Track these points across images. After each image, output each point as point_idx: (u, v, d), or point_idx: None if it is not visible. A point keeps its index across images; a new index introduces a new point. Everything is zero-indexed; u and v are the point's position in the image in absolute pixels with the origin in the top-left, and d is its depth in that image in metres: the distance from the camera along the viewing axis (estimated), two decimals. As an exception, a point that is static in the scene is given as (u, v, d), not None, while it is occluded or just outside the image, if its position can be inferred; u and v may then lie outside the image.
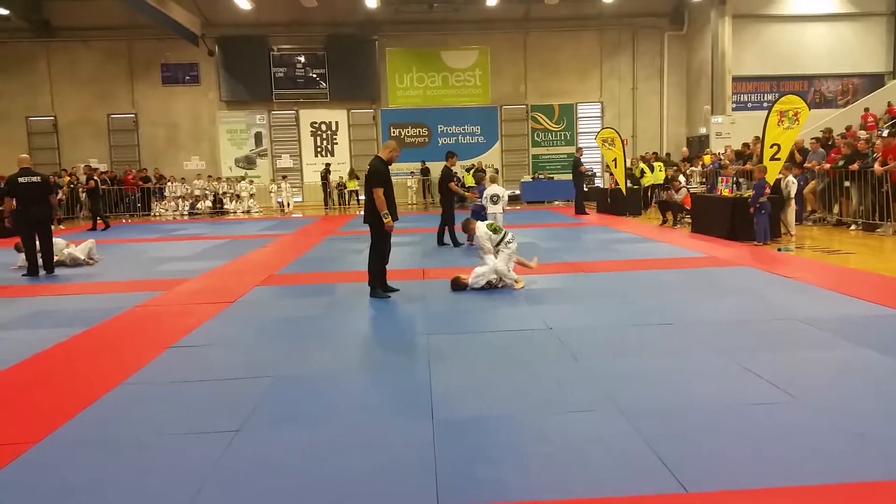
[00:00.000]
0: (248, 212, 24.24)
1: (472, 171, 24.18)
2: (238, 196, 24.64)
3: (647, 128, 26.68)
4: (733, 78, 23.53)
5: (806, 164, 14.60)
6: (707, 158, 19.81)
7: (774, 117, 12.29)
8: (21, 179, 10.11)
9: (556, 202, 24.39)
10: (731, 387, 4.40)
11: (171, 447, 3.71)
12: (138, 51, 25.34)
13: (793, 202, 12.54)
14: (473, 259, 8.58)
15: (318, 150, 26.29)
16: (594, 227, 15.70)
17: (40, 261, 10.26)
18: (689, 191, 15.42)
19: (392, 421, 4.03)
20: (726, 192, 12.74)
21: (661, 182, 19.78)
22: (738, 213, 11.85)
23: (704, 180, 17.99)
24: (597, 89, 26.58)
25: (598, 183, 24.90)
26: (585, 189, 20.36)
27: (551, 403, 4.21)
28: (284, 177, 25.27)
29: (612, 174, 20.10)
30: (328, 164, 25.49)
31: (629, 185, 18.89)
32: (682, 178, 17.35)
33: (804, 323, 5.97)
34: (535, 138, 26.60)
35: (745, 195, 11.93)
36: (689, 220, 14.32)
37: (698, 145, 23.95)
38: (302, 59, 25.74)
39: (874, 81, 23.92)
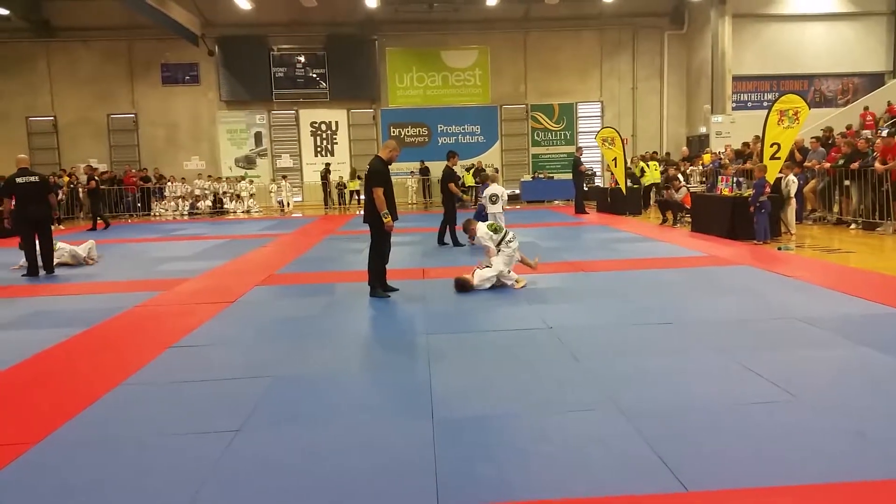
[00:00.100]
0: (248, 211, 24.24)
1: (471, 171, 24.30)
2: (238, 196, 24.65)
3: (647, 127, 26.68)
4: (733, 77, 23.54)
5: (806, 163, 14.60)
6: (707, 158, 19.83)
7: (774, 116, 12.29)
8: (19, 179, 10.11)
9: (556, 201, 24.40)
10: (732, 386, 4.40)
11: (170, 447, 3.71)
12: (138, 51, 25.34)
13: (793, 201, 12.53)
14: (474, 259, 8.58)
15: (318, 149, 26.29)
16: (594, 227, 15.70)
17: (40, 261, 10.26)
18: (688, 190, 15.42)
19: (392, 421, 4.03)
20: (726, 192, 12.73)
21: (657, 181, 19.84)
22: (738, 213, 11.85)
23: (704, 179, 18.00)
24: (597, 89, 26.58)
25: (598, 182, 24.92)
26: (585, 188, 20.37)
27: (552, 403, 4.21)
28: (284, 176, 25.28)
29: (612, 173, 20.11)
30: (328, 164, 25.50)
31: (629, 184, 18.90)
32: (679, 177, 17.34)
33: (804, 322, 5.97)
34: (535, 138, 26.61)
35: (745, 194, 11.93)
36: (689, 220, 14.32)
37: (698, 145, 23.96)
38: (302, 58, 25.74)
39: (874, 81, 23.93)
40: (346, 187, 25.20)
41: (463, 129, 26.34)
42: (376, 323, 6.80)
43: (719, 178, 13.85)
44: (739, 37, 23.58)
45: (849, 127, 17.45)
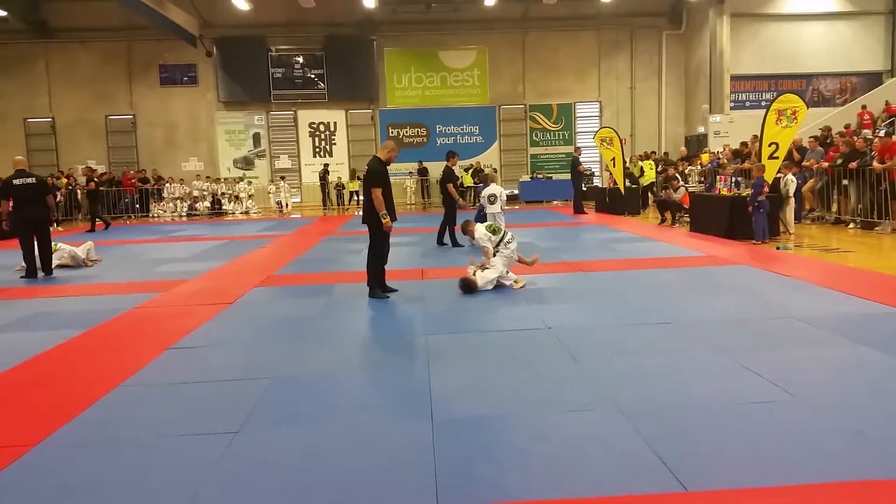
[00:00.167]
0: (246, 213, 24.24)
1: (470, 171, 24.30)
2: (236, 197, 24.64)
3: (646, 127, 26.70)
4: (731, 77, 23.55)
5: (804, 163, 14.61)
6: (705, 157, 19.84)
7: (773, 116, 12.29)
8: (16, 181, 10.10)
9: (555, 202, 24.40)
10: (730, 385, 4.40)
11: (170, 448, 3.71)
12: (136, 52, 25.34)
13: (792, 201, 12.54)
14: (475, 258, 8.56)
15: (317, 150, 26.29)
16: (593, 227, 15.70)
17: (39, 263, 10.25)
18: (687, 190, 15.43)
19: (391, 421, 4.03)
20: (725, 191, 12.74)
21: (653, 181, 19.89)
22: (736, 212, 11.86)
23: (703, 179, 18.01)
24: (595, 89, 26.60)
25: (597, 182, 24.93)
26: (584, 188, 20.37)
27: (551, 403, 4.22)
28: (283, 177, 25.27)
29: (610, 174, 20.12)
30: (326, 165, 25.49)
31: (628, 184, 18.91)
32: (677, 177, 17.34)
33: (803, 321, 5.97)
34: (534, 138, 26.62)
35: (744, 194, 11.94)
36: (688, 220, 14.33)
37: (696, 144, 23.98)
38: (300, 59, 25.74)
39: (872, 80, 23.96)
40: (344, 188, 25.21)
41: (461, 129, 26.35)
42: (375, 323, 6.80)
43: (718, 177, 13.86)
44: (737, 36, 23.60)
45: (847, 126, 17.46)
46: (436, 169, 24.36)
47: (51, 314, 7.49)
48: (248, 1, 22.34)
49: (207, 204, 24.34)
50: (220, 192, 24.77)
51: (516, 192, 25.05)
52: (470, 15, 25.03)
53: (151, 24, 21.74)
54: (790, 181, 12.41)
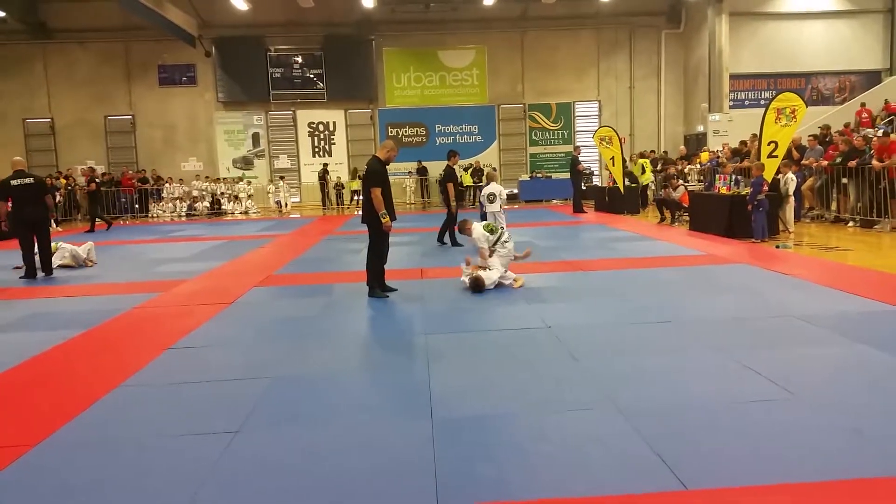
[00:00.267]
0: (245, 212, 24.23)
1: (469, 171, 24.30)
2: (236, 197, 24.63)
3: (645, 126, 26.69)
4: (730, 76, 23.55)
5: (803, 161, 14.61)
6: (705, 156, 19.85)
7: (772, 115, 12.30)
8: (14, 182, 10.10)
9: (555, 201, 24.40)
10: (730, 384, 4.41)
11: (169, 448, 3.71)
12: (135, 52, 25.32)
13: (792, 199, 12.54)
14: (472, 258, 8.55)
15: (316, 150, 26.28)
16: (592, 226, 15.70)
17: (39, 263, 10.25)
18: (686, 189, 15.43)
19: (391, 421, 4.03)
20: (724, 190, 12.75)
21: (650, 181, 19.93)
22: (735, 211, 11.87)
23: (702, 178, 18.01)
24: (594, 88, 26.59)
25: (596, 181, 24.93)
26: (583, 188, 20.37)
27: (550, 402, 4.22)
28: (282, 177, 25.26)
29: (610, 173, 20.12)
30: (326, 165, 25.48)
31: (627, 183, 18.91)
32: (675, 175, 17.38)
33: (802, 320, 5.98)
34: (533, 137, 26.61)
35: (743, 193, 11.94)
36: (687, 218, 14.33)
37: (696, 143, 23.97)
38: (299, 59, 25.72)
39: (871, 78, 23.95)
40: (343, 188, 25.21)
41: (461, 128, 26.34)
42: (375, 323, 6.81)
43: (717, 176, 13.86)
44: (736, 35, 23.60)
45: (846, 125, 17.47)
46: (435, 168, 24.43)
47: (50, 314, 7.49)
48: (246, 1, 22.34)
49: (207, 204, 24.33)
50: (219, 192, 24.76)
51: (516, 191, 25.03)
52: (469, 14, 25.02)
53: (150, 24, 21.75)
54: (790, 180, 12.41)
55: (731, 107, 23.55)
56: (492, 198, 11.37)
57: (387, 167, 7.74)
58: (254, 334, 6.30)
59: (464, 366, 5.06)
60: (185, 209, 24.08)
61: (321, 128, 26.19)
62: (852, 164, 12.97)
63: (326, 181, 25.09)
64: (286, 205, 24.80)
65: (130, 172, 24.67)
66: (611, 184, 19.55)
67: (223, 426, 3.97)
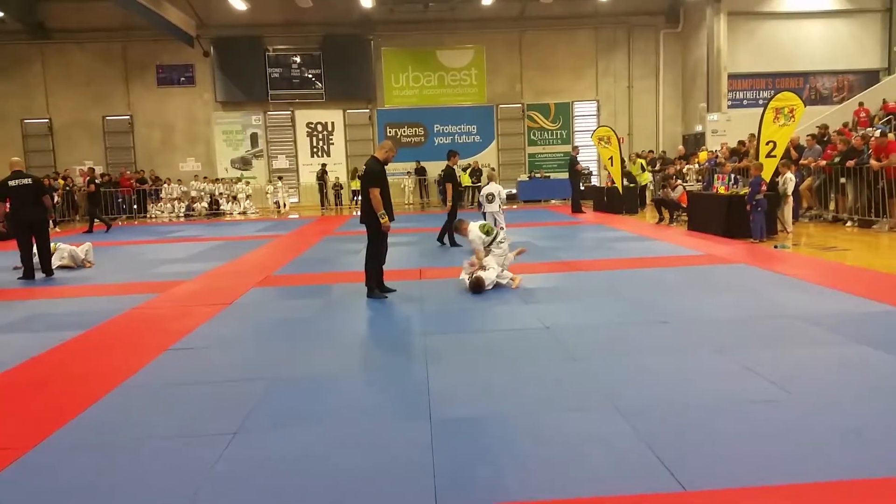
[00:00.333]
0: (244, 213, 24.21)
1: (468, 171, 24.29)
2: (234, 197, 24.62)
3: (643, 126, 26.69)
4: (729, 75, 23.55)
5: (802, 161, 14.62)
6: (703, 156, 19.85)
7: (770, 114, 12.31)
8: (11, 182, 10.08)
9: (553, 201, 24.41)
10: (729, 385, 4.40)
11: (168, 449, 3.71)
12: (133, 52, 25.29)
13: (790, 199, 12.54)
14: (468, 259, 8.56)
15: (315, 150, 26.26)
16: (591, 226, 15.71)
17: (37, 263, 10.24)
18: (685, 188, 15.44)
19: (390, 421, 4.02)
20: (722, 190, 12.75)
21: (646, 182, 19.95)
22: (734, 211, 11.87)
23: (700, 178, 18.01)
24: (592, 88, 26.59)
25: (595, 181, 24.94)
26: (582, 188, 20.38)
27: (549, 403, 4.21)
28: (280, 177, 25.25)
29: (608, 172, 20.13)
30: (324, 165, 25.47)
31: (626, 183, 18.91)
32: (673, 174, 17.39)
33: (801, 320, 5.98)
34: (532, 137, 26.61)
35: (742, 192, 11.95)
36: (686, 218, 14.33)
37: (694, 143, 23.96)
38: (297, 59, 25.71)
39: (869, 78, 23.96)
40: (342, 188, 25.19)
41: (459, 128, 26.34)
42: (374, 324, 6.80)
43: (715, 176, 13.87)
44: (735, 35, 23.60)
45: (845, 124, 17.48)
46: (434, 168, 24.44)
47: (49, 315, 7.48)
48: (245, 1, 22.32)
49: (205, 204, 24.31)
50: (217, 193, 24.74)
51: (514, 191, 25.04)
52: (467, 14, 25.02)
53: (148, 24, 21.73)
54: (789, 180, 12.41)
55: (729, 106, 23.56)
56: (490, 198, 11.38)
57: (385, 167, 7.74)
58: (252, 335, 6.30)
59: (462, 366, 5.05)
60: (183, 210, 24.07)
61: (320, 128, 26.18)
62: (850, 163, 12.98)
63: (325, 181, 25.08)
64: (284, 205, 24.79)
65: (128, 173, 24.64)
66: (609, 184, 19.56)
67: (222, 427, 3.96)
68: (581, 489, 3.10)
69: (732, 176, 13.03)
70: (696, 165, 19.32)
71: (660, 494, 3.03)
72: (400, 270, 9.35)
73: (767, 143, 12.33)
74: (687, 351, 5.21)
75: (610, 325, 6.17)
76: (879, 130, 14.07)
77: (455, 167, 12.57)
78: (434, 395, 4.40)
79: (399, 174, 24.73)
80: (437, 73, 26.09)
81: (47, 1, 24.44)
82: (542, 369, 4.88)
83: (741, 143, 17.55)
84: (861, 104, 19.64)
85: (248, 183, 25.32)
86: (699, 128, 24.20)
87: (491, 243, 8.17)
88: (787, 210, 12.47)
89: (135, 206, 23.78)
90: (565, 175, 20.68)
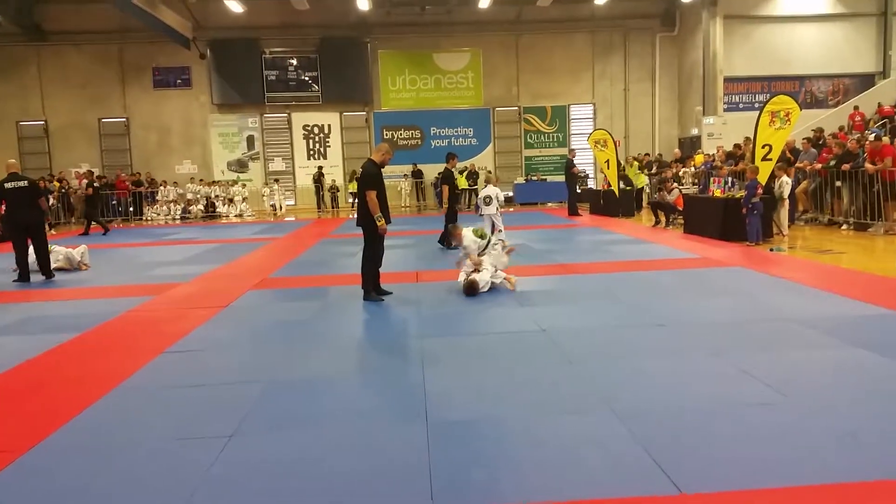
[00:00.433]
0: (240, 215, 24.18)
1: (464, 174, 24.30)
2: (230, 200, 24.59)
3: (640, 129, 26.72)
4: (725, 79, 23.60)
5: (797, 164, 14.65)
6: (699, 159, 19.89)
7: (766, 118, 12.33)
8: (7, 185, 10.05)
9: (549, 204, 24.42)
10: (725, 388, 4.41)
11: (164, 452, 3.70)
12: (130, 55, 25.23)
13: (786, 202, 12.57)
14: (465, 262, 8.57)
15: (311, 153, 26.23)
16: (587, 229, 15.73)
17: (36, 266, 10.22)
18: (681, 191, 15.46)
19: (386, 424, 4.02)
20: (718, 193, 12.77)
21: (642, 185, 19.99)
22: (730, 214, 11.90)
23: (696, 181, 18.05)
24: (589, 91, 26.62)
25: (591, 184, 24.96)
26: (578, 190, 20.40)
27: (546, 405, 4.22)
28: (277, 180, 25.23)
29: (605, 175, 20.15)
30: (321, 167, 25.45)
31: (622, 186, 18.94)
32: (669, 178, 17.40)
33: (797, 323, 5.99)
34: (528, 140, 26.63)
35: (738, 196, 11.97)
36: (682, 221, 14.36)
37: (690, 146, 24.02)
38: (294, 61, 25.68)
39: (864, 81, 24.05)
40: (338, 190, 25.18)
41: (456, 131, 26.35)
42: (370, 326, 6.80)
43: (711, 179, 13.89)
44: (730, 38, 23.66)
45: (841, 128, 17.54)
46: (430, 171, 24.44)
47: (44, 318, 7.46)
48: (241, 3, 22.30)
49: (201, 207, 24.27)
50: (213, 195, 24.70)
51: (511, 194, 25.03)
52: (464, 17, 25.03)
53: (145, 26, 21.69)
54: (785, 183, 12.44)
55: (725, 110, 23.61)
56: (488, 200, 11.39)
57: (382, 170, 7.74)
58: (249, 338, 6.29)
59: (459, 369, 5.05)
60: (179, 212, 24.01)
61: (316, 130, 26.16)
62: (846, 167, 13.02)
63: (321, 184, 25.06)
64: (281, 208, 24.76)
65: (124, 175, 24.59)
66: (605, 187, 19.57)
67: (218, 430, 3.96)
68: (577, 492, 3.11)
69: (730, 179, 13.05)
70: (693, 168, 19.36)
71: (656, 497, 3.03)
72: (396, 273, 9.34)
73: (763, 147, 12.35)
74: (683, 354, 5.21)
75: (606, 328, 6.18)
76: (874, 134, 14.11)
77: (453, 170, 12.58)
78: (430, 397, 4.40)
79: (396, 177, 24.72)
80: (434, 75, 26.09)
81: (44, 3, 24.39)
82: (538, 372, 4.89)
83: (737, 146, 17.59)
84: (856, 108, 19.72)
85: (244, 185, 25.27)
86: (695, 131, 24.26)
87: (485, 248, 8.22)
88: (783, 213, 12.50)
89: (131, 209, 23.71)
90: (562, 178, 20.71)
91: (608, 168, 19.12)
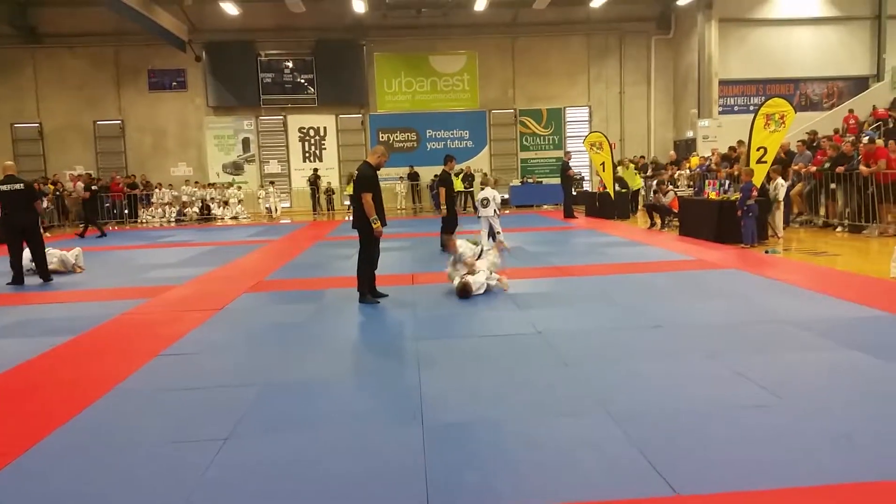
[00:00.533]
0: (235, 218, 24.15)
1: (461, 176, 24.30)
2: (226, 202, 24.55)
3: (635, 132, 26.79)
4: (720, 81, 23.68)
5: (792, 167, 14.70)
6: (694, 161, 19.94)
7: (761, 120, 12.36)
8: (3, 187, 10.02)
9: (545, 206, 24.45)
10: (720, 389, 4.42)
11: (160, 455, 3.69)
12: (125, 57, 25.20)
13: (781, 204, 12.60)
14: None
15: (307, 155, 26.22)
16: (582, 231, 15.74)
17: (34, 268, 10.19)
18: (676, 194, 15.50)
19: (382, 426, 4.02)
20: (713, 195, 12.80)
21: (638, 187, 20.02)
22: (725, 216, 11.92)
23: (692, 183, 18.08)
24: (584, 93, 26.68)
25: (587, 187, 25.00)
26: (574, 193, 20.43)
27: (541, 408, 4.22)
28: (272, 182, 25.20)
29: (600, 178, 20.19)
30: (316, 170, 25.43)
31: (617, 188, 18.97)
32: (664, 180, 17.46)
33: (792, 325, 6.01)
34: (524, 142, 26.66)
35: (733, 198, 12.00)
36: (677, 224, 14.38)
37: (685, 149, 24.08)
38: (290, 64, 25.67)
39: (859, 84, 24.15)
40: (334, 193, 25.16)
41: (452, 134, 26.37)
42: (366, 329, 6.79)
43: (706, 181, 13.92)
44: (726, 41, 23.73)
45: (836, 131, 17.60)
46: (426, 173, 24.43)
47: (39, 321, 7.43)
48: (237, 6, 22.29)
49: (196, 209, 24.22)
50: (209, 198, 24.66)
51: (507, 196, 25.03)
52: (460, 20, 25.06)
53: (140, 29, 21.67)
54: (781, 185, 12.47)
55: (720, 112, 23.67)
56: (485, 202, 11.41)
57: (378, 172, 7.74)
58: (244, 340, 6.28)
59: (454, 371, 5.05)
60: (174, 214, 23.97)
61: (312, 133, 26.15)
62: (840, 169, 13.07)
63: (317, 186, 25.05)
64: (276, 210, 24.73)
65: (119, 177, 24.53)
66: (601, 189, 19.62)
67: (213, 433, 3.95)
68: (573, 494, 3.11)
69: (726, 181, 13.07)
70: (688, 171, 19.40)
71: (651, 499, 3.03)
72: (392, 275, 9.34)
73: (758, 150, 12.39)
74: (678, 356, 5.22)
75: (602, 330, 6.18)
76: (868, 137, 14.16)
77: (451, 172, 12.57)
78: (426, 399, 4.40)
79: (392, 179, 24.71)
80: (430, 78, 26.11)
81: (39, 6, 24.36)
82: (534, 374, 4.89)
83: (732, 148, 17.63)
84: (851, 111, 19.79)
85: (239, 188, 25.24)
86: (690, 133, 24.32)
87: (479, 255, 8.34)
88: (778, 215, 12.53)
89: (126, 211, 23.66)
90: (557, 180, 20.72)
91: (604, 170, 19.15)
